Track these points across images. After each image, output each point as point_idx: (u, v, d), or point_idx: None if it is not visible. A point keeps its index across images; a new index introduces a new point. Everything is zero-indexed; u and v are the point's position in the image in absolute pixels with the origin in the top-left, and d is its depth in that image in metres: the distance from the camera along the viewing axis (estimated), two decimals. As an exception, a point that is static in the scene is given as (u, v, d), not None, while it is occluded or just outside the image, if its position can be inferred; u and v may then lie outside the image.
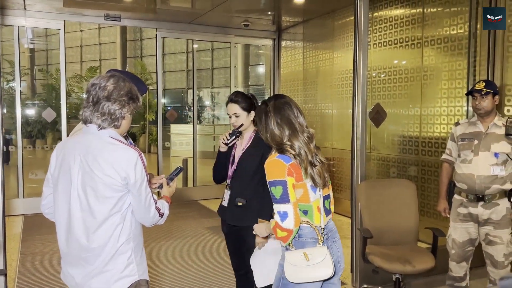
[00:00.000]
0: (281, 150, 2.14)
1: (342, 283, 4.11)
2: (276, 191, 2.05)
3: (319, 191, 2.16)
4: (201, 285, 4.08)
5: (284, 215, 2.03)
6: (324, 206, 2.20)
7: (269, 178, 2.08)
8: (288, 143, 2.13)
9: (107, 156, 1.86)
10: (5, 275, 3.21)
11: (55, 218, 1.99)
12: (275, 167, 2.08)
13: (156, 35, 7.65)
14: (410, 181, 3.91)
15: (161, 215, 2.02)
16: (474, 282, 3.75)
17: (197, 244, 5.31)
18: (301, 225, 2.12)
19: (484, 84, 3.31)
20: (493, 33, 4.36)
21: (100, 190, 1.85)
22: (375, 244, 3.47)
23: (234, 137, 2.85)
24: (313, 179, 2.12)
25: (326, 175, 2.20)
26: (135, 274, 1.94)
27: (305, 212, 2.13)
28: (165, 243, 5.32)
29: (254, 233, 2.34)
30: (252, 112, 2.84)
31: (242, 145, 2.90)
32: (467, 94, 3.59)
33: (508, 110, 4.31)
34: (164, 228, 5.67)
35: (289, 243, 2.10)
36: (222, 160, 2.95)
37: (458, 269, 3.47)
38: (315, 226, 2.13)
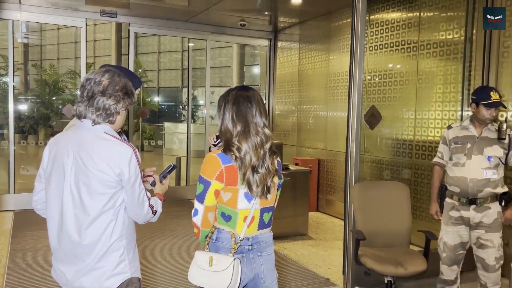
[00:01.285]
0: (227, 147, 2.02)
1: (334, 285, 4.12)
2: (198, 188, 2.03)
3: (255, 201, 2.02)
4: (192, 284, 4.06)
5: (195, 212, 2.05)
6: (261, 219, 2.07)
7: (200, 171, 2.04)
8: (237, 143, 1.99)
9: (101, 151, 1.84)
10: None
11: (47, 214, 1.97)
12: (209, 164, 2.01)
13: (128, 30, 7.39)
14: (403, 184, 3.92)
15: (154, 212, 2.00)
16: (465, 286, 3.77)
17: (189, 243, 5.29)
18: (221, 228, 2.06)
19: (497, 94, 3.30)
20: (489, 38, 4.39)
21: (94, 186, 1.83)
22: (368, 246, 3.48)
23: (219, 140, 2.84)
24: (249, 187, 1.98)
25: (269, 184, 2.03)
26: (127, 272, 1.92)
27: (228, 218, 2.04)
28: (157, 241, 5.30)
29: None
30: None
31: None
32: (487, 105, 3.26)
33: (502, 115, 4.34)
34: (157, 226, 5.64)
35: (206, 243, 2.09)
36: None
37: (449, 272, 3.48)
38: (234, 233, 2.03)
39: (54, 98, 15.08)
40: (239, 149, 1.98)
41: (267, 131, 2.05)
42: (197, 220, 2.04)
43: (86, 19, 7.06)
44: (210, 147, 2.92)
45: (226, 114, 2.05)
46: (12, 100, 6.82)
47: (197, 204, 2.04)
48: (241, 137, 2.00)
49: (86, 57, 7.24)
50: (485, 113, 3.27)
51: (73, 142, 1.89)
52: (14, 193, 6.78)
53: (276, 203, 2.19)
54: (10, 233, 5.52)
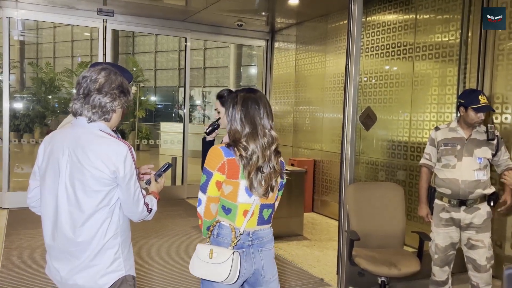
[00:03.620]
0: (234, 145, 2.07)
1: (328, 285, 4.13)
2: (202, 178, 2.08)
3: (255, 196, 2.08)
4: (187, 284, 4.06)
5: (199, 202, 2.10)
6: (260, 214, 2.12)
7: (204, 163, 2.10)
8: (244, 143, 2.05)
9: (96, 149, 1.84)
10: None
11: (42, 212, 1.97)
12: (213, 156, 2.07)
13: (105, 26, 7.19)
14: (398, 185, 3.94)
15: (149, 210, 2.01)
16: (457, 287, 3.79)
17: (184, 243, 5.29)
18: (222, 223, 2.11)
19: (485, 98, 3.34)
20: (484, 41, 4.42)
21: (89, 183, 1.83)
22: (362, 247, 3.49)
23: (210, 128, 3.03)
24: (250, 185, 2.04)
25: (273, 184, 2.10)
26: (122, 270, 1.93)
27: (228, 211, 2.09)
28: (152, 240, 5.29)
29: None
30: None
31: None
32: (477, 109, 3.29)
33: (496, 118, 4.36)
34: (151, 226, 5.64)
35: (208, 237, 2.13)
36: (206, 148, 3.05)
37: (441, 273, 3.51)
38: (234, 227, 2.08)
39: (50, 97, 15.03)
40: (245, 149, 2.05)
41: (273, 133, 2.13)
42: (200, 210, 2.10)
43: (103, 19, 7.06)
44: (204, 137, 3.04)
45: (235, 116, 2.11)
46: (7, 98, 6.79)
47: (200, 194, 2.09)
48: (249, 138, 2.07)
49: (104, 54, 7.20)
50: (474, 116, 3.31)
51: (68, 139, 1.89)
52: (9, 191, 6.76)
53: (277, 201, 2.26)
54: (4, 231, 5.50)
